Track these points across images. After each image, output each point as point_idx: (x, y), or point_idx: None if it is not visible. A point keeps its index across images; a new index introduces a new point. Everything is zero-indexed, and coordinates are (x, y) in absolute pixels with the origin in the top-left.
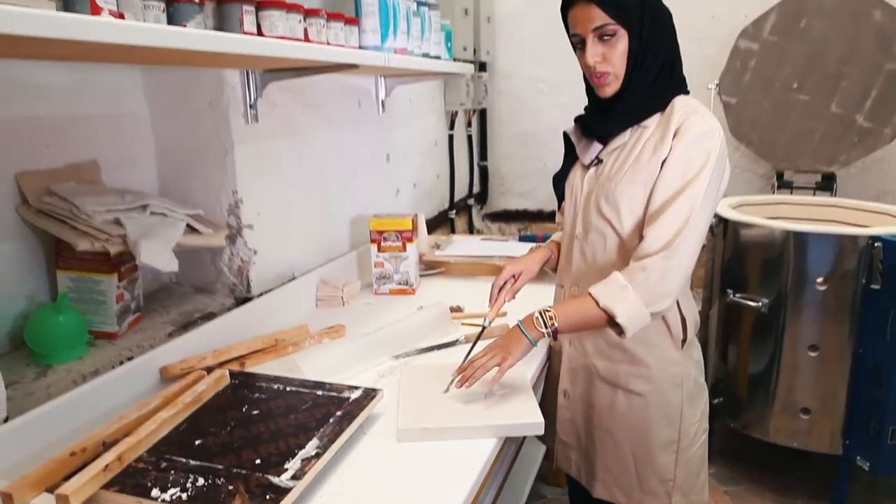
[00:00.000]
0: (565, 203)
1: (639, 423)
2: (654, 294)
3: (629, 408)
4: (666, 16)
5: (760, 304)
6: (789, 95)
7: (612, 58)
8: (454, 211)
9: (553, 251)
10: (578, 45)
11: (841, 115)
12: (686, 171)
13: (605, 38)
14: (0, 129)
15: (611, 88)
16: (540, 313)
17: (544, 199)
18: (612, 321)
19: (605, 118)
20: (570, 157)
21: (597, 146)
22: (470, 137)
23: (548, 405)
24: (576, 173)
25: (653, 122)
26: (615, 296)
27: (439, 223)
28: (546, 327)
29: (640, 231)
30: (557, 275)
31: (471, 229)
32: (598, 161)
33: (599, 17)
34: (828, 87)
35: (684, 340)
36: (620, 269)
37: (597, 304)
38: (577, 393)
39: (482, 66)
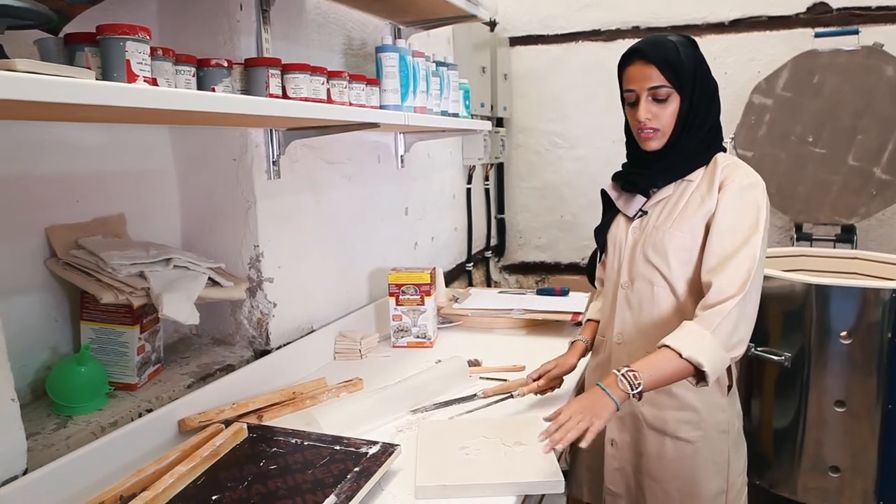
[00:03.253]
0: (608, 255)
1: (688, 471)
2: (732, 340)
3: (678, 455)
4: (714, 85)
5: (783, 358)
6: (805, 148)
7: (662, 117)
8: (472, 263)
9: (588, 339)
10: (631, 100)
11: (858, 167)
12: (738, 223)
13: (659, 99)
14: (34, 186)
15: (655, 143)
16: (623, 374)
17: (561, 251)
18: (694, 371)
19: (649, 173)
20: (610, 211)
21: (640, 199)
22: (487, 191)
23: (593, 456)
24: (619, 225)
25: (697, 175)
26: (698, 345)
27: (457, 275)
28: (633, 389)
29: (686, 278)
30: (599, 329)
31: (488, 281)
32: (643, 213)
33: (657, 77)
34: (844, 140)
35: (730, 387)
36: (666, 316)
37: (679, 355)
38: (625, 441)
39: (499, 122)
